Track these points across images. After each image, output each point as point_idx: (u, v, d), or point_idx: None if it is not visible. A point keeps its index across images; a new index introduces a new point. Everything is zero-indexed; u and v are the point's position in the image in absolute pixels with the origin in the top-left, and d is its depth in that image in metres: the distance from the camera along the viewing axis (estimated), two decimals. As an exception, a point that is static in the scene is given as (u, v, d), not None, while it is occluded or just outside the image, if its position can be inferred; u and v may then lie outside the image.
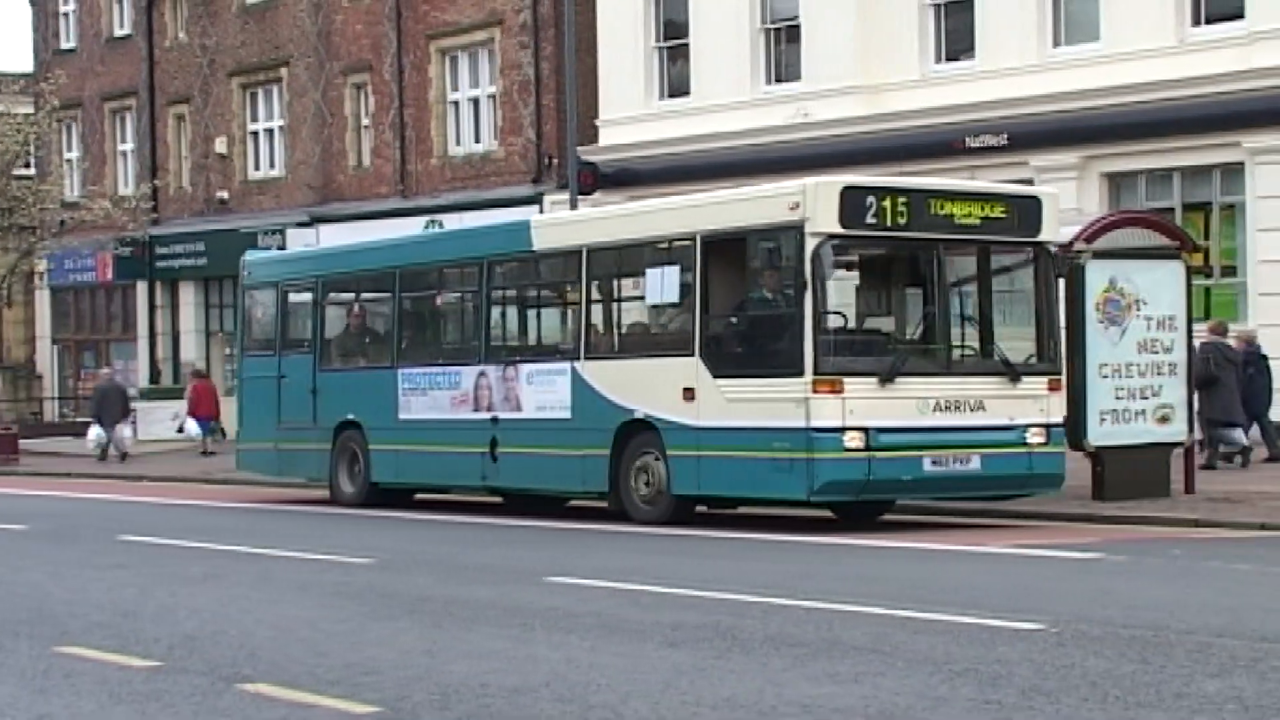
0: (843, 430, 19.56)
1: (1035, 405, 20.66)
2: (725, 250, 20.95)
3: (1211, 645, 10.95)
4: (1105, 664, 10.35)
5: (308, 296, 28.29)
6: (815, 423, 19.57)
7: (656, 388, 21.52)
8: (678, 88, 38.06)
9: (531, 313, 25.27)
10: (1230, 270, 30.56)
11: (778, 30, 36.22)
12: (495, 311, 25.05)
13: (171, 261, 51.05)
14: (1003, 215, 20.81)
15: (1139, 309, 22.34)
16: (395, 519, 24.65)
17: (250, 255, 31.10)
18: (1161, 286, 22.56)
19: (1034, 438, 20.57)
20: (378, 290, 27.30)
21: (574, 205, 34.02)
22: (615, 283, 23.48)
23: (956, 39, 33.56)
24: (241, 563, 18.50)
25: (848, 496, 20.41)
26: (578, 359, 22.78)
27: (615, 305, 23.66)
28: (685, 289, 21.39)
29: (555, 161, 39.70)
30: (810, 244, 19.59)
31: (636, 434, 21.83)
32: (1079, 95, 30.67)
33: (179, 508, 28.51)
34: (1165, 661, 10.40)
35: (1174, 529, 20.06)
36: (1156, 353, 22.45)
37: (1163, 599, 13.73)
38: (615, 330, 23.46)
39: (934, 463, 20.08)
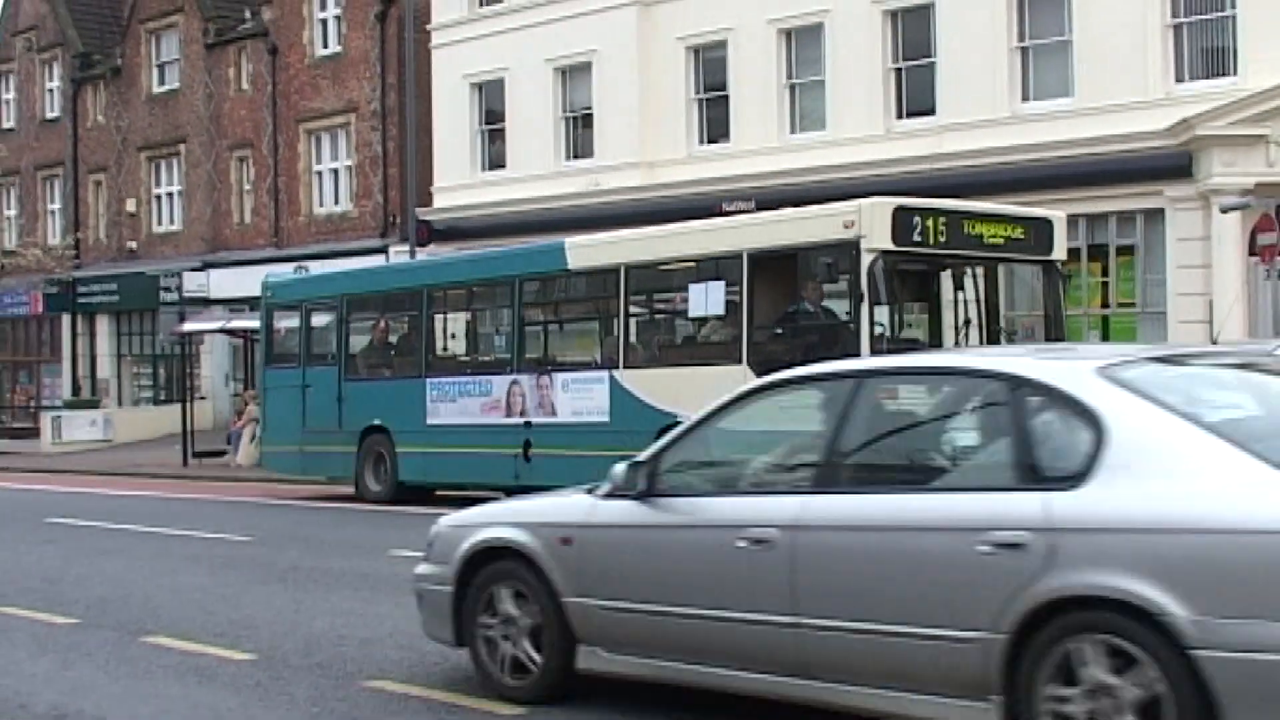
0: None
1: None
2: (772, 266, 18.54)
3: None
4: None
5: (331, 313, 25.12)
6: None
7: (700, 394, 18.50)
8: (496, 162, 37.99)
9: (567, 326, 22.59)
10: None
11: (575, 117, 36.31)
12: (528, 325, 22.13)
13: (90, 298, 50.16)
14: (1022, 235, 18.74)
15: None
16: (273, 505, 24.40)
17: (271, 277, 27.51)
18: None
19: None
20: (405, 307, 24.15)
21: (413, 255, 33.88)
22: (654, 297, 20.99)
23: (715, 126, 33.82)
24: (146, 540, 18.21)
25: None
26: (616, 368, 20.14)
27: (654, 317, 21.19)
28: (730, 302, 18.94)
29: (398, 219, 39.53)
30: (866, 259, 17.21)
31: None
32: (810, 171, 30.99)
33: (96, 495, 27.96)
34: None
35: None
36: None
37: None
38: (655, 341, 20.77)
39: None
